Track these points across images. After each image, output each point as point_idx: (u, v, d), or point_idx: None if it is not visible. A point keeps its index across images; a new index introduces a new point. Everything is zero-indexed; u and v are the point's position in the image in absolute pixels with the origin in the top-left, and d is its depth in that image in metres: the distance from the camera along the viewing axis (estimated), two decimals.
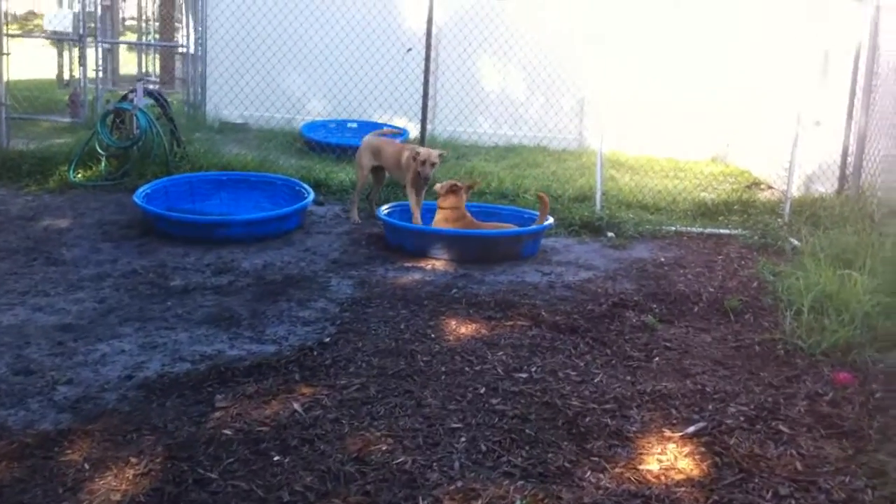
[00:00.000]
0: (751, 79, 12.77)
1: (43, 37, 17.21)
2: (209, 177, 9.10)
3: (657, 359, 5.70)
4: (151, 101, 9.96)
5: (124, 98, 9.83)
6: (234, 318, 6.05)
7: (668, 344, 5.97)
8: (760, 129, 12.04)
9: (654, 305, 6.75)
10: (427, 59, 9.91)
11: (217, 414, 4.59)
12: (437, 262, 7.62)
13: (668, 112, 13.52)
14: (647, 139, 13.52)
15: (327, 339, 5.68)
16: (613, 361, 5.59)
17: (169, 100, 10.71)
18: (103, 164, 9.54)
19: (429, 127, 13.53)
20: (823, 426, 4.83)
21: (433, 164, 8.20)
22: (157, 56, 21.11)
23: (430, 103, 13.44)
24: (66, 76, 17.81)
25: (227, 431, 4.38)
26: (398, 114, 13.51)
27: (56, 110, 14.28)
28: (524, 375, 5.27)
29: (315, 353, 5.46)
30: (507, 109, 13.55)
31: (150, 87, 11.39)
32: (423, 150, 8.34)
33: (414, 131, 12.34)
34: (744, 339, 6.15)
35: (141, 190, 8.40)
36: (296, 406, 4.70)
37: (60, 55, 18.13)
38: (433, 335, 5.87)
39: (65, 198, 9.01)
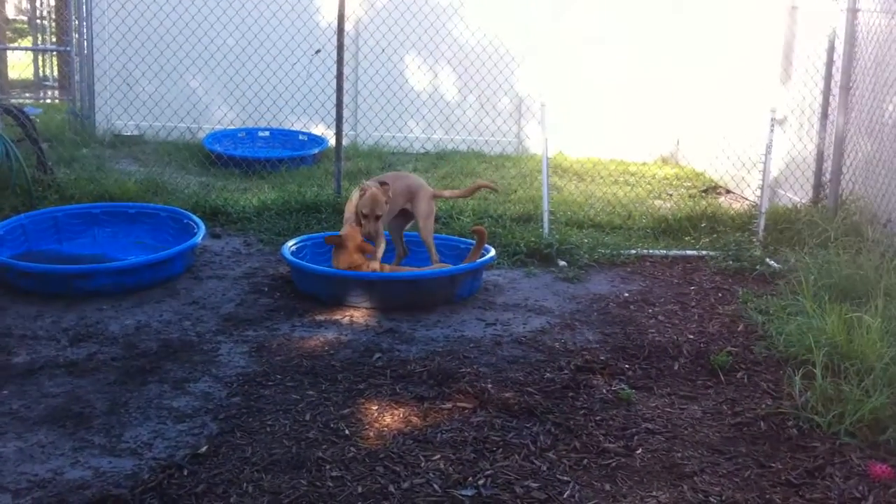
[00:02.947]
0: (701, 71, 11.60)
1: None
2: (79, 210, 7.52)
3: (640, 450, 4.39)
4: (12, 121, 8.32)
5: None
6: (84, 415, 4.57)
7: (649, 425, 4.67)
8: (713, 127, 10.85)
9: (626, 365, 5.44)
10: (339, 61, 8.47)
11: None
12: (357, 313, 6.20)
13: (612, 109, 12.30)
14: (590, 139, 12.28)
15: (204, 448, 4.23)
16: (585, 461, 4.26)
17: (32, 117, 9.04)
18: None
19: (350, 133, 12.13)
20: None
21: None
22: (54, 59, 19.31)
23: (351, 107, 12.05)
24: None
25: None
26: (314, 119, 12.02)
27: None
28: (470, 494, 3.91)
29: (185, 472, 4.01)
30: (438, 112, 12.14)
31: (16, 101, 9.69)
32: None
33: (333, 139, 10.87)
34: (743, 411, 4.89)
35: None
36: None
37: None
38: (347, 430, 4.46)
39: None
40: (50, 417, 4.56)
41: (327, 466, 4.10)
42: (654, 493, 3.99)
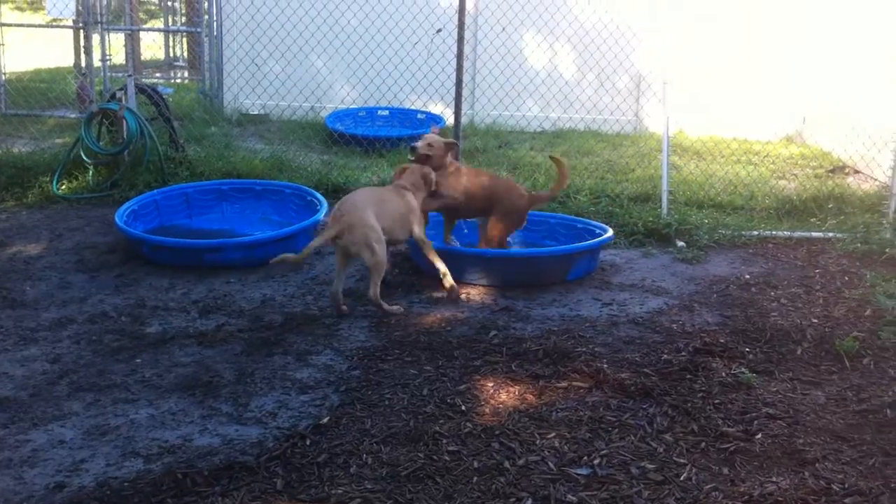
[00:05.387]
0: (829, 47, 11.17)
1: (37, 26, 16.03)
2: (208, 186, 7.80)
3: (759, 435, 4.32)
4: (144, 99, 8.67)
5: (112, 97, 8.56)
6: (213, 384, 4.78)
7: (770, 410, 4.59)
8: (842, 105, 10.44)
9: (747, 349, 5.34)
10: (460, 39, 8.48)
11: None
12: (473, 291, 6.28)
13: (734, 87, 11.98)
14: (711, 117, 11.98)
15: (326, 419, 4.38)
16: (703, 444, 4.22)
17: (165, 96, 9.39)
18: (90, 173, 8.31)
19: (468, 112, 12.18)
20: None
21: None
22: (184, 40, 19.94)
23: (469, 86, 12.08)
24: (84, 64, 16.67)
25: None
26: (433, 98, 12.10)
27: (68, 103, 13.07)
28: (585, 473, 3.93)
29: (308, 441, 4.16)
30: (556, 91, 12.06)
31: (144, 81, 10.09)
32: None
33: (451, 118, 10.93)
34: (868, 398, 4.75)
35: (126, 206, 7.15)
36: None
37: (77, 42, 16.96)
38: (463, 406, 4.54)
39: (44, 215, 7.80)
40: (180, 385, 4.78)
41: (444, 441, 4.18)
42: (773, 479, 3.92)
